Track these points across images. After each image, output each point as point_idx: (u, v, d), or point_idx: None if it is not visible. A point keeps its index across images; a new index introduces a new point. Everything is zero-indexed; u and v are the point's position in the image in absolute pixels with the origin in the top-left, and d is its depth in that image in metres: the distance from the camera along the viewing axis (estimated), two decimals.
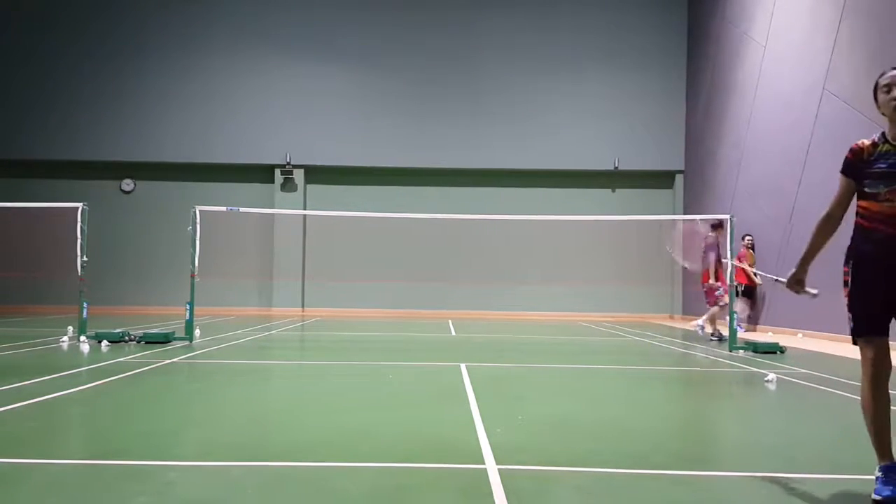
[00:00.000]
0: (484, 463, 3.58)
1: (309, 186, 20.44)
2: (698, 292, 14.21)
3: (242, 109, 20.11)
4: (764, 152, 15.10)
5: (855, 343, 3.29)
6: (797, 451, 4.16)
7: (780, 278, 3.92)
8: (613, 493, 3.23)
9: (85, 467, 3.52)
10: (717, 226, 11.80)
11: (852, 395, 6.03)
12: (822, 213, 3.43)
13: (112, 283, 18.86)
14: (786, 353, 9.58)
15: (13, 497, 3.00)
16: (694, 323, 12.71)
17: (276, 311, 19.67)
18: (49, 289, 18.09)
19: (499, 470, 3.45)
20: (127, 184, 20.49)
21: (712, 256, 11.93)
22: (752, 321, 15.20)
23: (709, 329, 12.06)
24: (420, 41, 20.33)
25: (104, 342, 9.35)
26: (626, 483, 3.38)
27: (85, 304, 10.02)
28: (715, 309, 11.84)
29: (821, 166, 12.54)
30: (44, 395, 5.38)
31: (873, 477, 3.16)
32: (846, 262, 3.35)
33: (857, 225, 3.31)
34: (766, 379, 6.77)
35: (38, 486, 3.19)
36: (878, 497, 3.07)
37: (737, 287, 12.88)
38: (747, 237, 14.65)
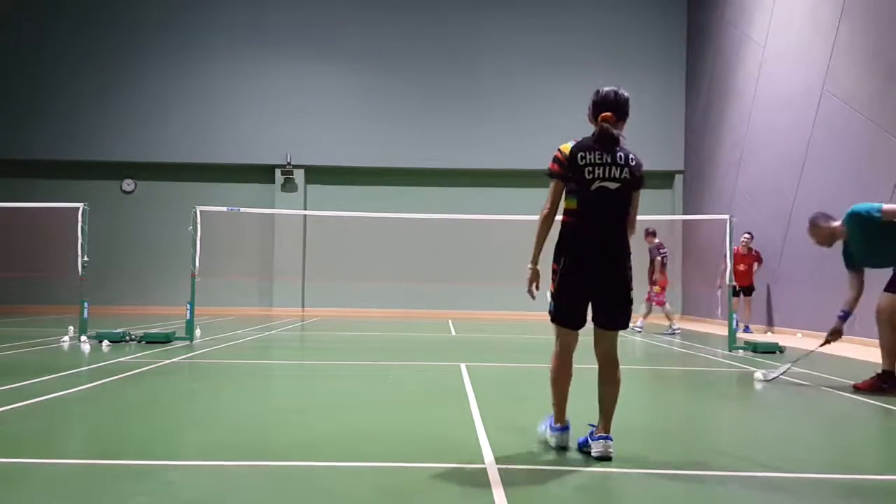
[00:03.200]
0: (484, 463, 3.59)
1: (309, 186, 20.45)
2: (697, 293, 14.26)
3: (243, 109, 20.12)
4: (763, 152, 15.11)
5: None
6: (796, 451, 4.17)
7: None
8: (613, 493, 3.24)
9: (85, 467, 3.52)
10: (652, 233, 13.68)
11: (852, 395, 6.04)
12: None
13: (113, 283, 18.86)
14: (785, 352, 9.59)
15: (13, 497, 3.00)
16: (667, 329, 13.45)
17: (276, 311, 19.68)
18: (49, 289, 18.09)
19: (499, 470, 3.45)
20: (128, 184, 20.50)
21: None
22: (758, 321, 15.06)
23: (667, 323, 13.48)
24: (420, 41, 20.34)
25: (105, 342, 9.36)
26: (627, 483, 3.39)
27: (86, 304, 10.02)
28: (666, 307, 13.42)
29: (820, 166, 12.54)
30: (44, 395, 5.39)
31: (872, 477, 3.18)
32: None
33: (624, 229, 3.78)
34: (755, 377, 6.80)
35: (38, 486, 3.20)
36: (541, 435, 3.97)
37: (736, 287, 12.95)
38: (745, 235, 14.37)
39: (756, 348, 9.65)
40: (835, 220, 6.41)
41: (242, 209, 12.28)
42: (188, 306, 9.94)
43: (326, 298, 20.00)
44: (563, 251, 3.71)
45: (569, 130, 16.94)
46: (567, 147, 3.76)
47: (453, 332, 13.37)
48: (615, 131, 3.70)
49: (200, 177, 20.22)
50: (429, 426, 4.59)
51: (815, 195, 12.71)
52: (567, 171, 3.70)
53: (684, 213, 19.59)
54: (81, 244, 9.98)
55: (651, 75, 20.26)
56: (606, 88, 3.81)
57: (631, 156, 3.74)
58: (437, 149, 20.02)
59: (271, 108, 20.11)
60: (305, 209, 19.74)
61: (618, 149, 3.71)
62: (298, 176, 20.21)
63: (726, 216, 10.69)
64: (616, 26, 20.31)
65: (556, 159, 3.76)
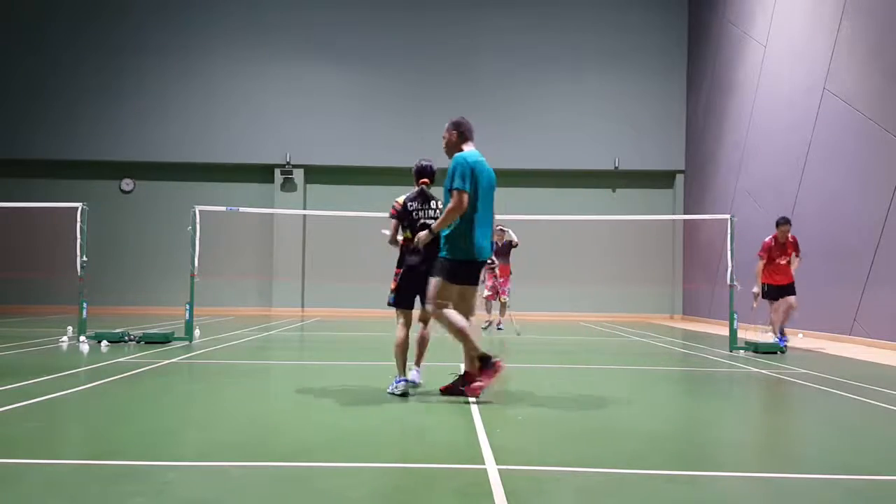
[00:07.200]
0: (484, 463, 3.58)
1: (309, 186, 20.44)
2: (697, 291, 14.15)
3: (242, 109, 20.11)
4: (764, 152, 15.09)
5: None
6: (797, 451, 4.16)
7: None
8: (613, 493, 3.22)
9: (84, 467, 3.51)
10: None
11: (853, 395, 6.03)
12: None
13: (112, 283, 18.84)
14: (786, 353, 9.57)
15: (13, 497, 2.99)
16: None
17: (275, 311, 19.66)
18: (49, 289, 18.07)
19: (499, 470, 3.44)
20: (127, 183, 20.49)
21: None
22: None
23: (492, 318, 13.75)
24: (420, 41, 20.33)
25: (104, 342, 9.33)
26: (626, 483, 3.38)
27: (84, 304, 9.99)
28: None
29: (821, 166, 12.53)
30: (43, 396, 5.37)
31: (872, 477, 3.17)
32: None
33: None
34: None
35: (37, 486, 3.18)
36: (392, 391, 5.67)
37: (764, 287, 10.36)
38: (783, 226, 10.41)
39: (757, 348, 9.62)
40: (469, 144, 5.83)
41: (242, 209, 12.27)
42: (187, 306, 9.91)
43: (326, 298, 19.98)
44: (403, 262, 5.80)
45: (568, 130, 16.98)
46: (401, 200, 5.87)
47: None
48: (428, 192, 5.90)
49: (200, 176, 20.20)
50: (429, 426, 4.58)
51: (817, 194, 12.70)
52: (402, 215, 5.82)
53: (685, 213, 19.58)
54: (80, 244, 9.96)
55: (651, 75, 20.26)
56: (423, 163, 6.10)
57: (437, 199, 5.89)
58: (436, 149, 19.91)
59: (271, 108, 20.10)
60: (305, 209, 19.73)
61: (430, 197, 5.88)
62: (298, 176, 20.20)
63: (727, 216, 10.66)
64: (616, 26, 20.30)
65: (394, 207, 5.85)
